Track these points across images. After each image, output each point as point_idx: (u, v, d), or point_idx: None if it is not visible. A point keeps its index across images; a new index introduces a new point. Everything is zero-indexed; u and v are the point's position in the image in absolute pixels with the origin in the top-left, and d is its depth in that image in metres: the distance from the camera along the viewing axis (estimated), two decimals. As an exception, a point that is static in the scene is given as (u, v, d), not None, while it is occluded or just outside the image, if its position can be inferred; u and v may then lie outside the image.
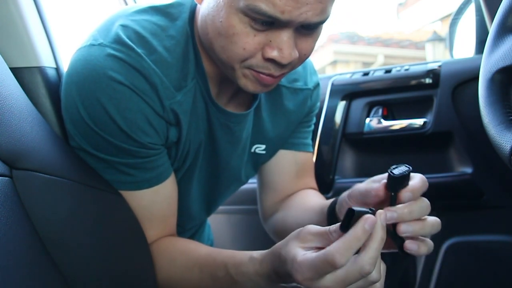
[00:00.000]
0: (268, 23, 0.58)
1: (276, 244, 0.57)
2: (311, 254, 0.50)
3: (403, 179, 0.54)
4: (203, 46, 0.68)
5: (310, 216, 0.78)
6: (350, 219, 0.48)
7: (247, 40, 0.59)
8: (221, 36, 0.60)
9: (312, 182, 0.94)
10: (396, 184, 0.54)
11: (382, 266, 0.53)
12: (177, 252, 0.71)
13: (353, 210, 0.48)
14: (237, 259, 0.61)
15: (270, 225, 0.91)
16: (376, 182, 0.60)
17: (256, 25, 0.58)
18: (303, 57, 0.64)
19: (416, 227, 0.53)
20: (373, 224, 0.49)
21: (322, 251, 0.49)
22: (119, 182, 0.67)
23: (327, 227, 0.52)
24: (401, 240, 0.54)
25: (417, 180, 0.56)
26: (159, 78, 0.64)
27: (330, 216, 0.72)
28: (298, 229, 0.54)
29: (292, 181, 0.90)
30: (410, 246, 0.54)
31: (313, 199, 0.86)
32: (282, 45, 0.59)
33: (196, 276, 0.66)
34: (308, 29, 0.61)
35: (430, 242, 0.55)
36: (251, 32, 0.59)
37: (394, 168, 0.54)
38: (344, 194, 0.67)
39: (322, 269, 0.48)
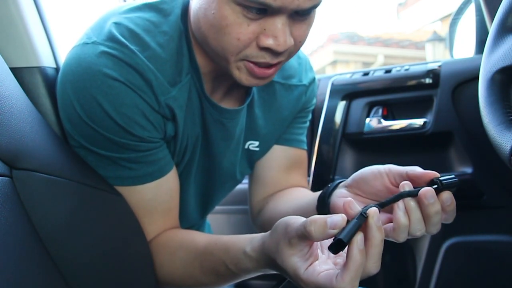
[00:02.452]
0: (261, 10, 0.57)
1: (267, 245, 0.55)
2: (318, 276, 0.49)
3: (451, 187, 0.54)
4: (197, 41, 0.68)
5: (300, 209, 0.76)
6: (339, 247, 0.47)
7: (241, 30, 0.59)
8: (214, 28, 0.60)
9: (303, 181, 0.93)
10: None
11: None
12: (176, 245, 0.70)
13: (342, 241, 0.47)
14: (232, 255, 0.60)
15: (259, 221, 0.90)
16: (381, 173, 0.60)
17: (249, 14, 0.58)
18: (298, 45, 0.64)
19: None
20: (363, 243, 0.47)
21: (330, 282, 0.47)
22: (122, 178, 0.67)
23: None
24: None
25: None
26: (153, 74, 0.64)
27: (320, 206, 0.70)
28: (283, 228, 0.52)
29: (282, 177, 0.89)
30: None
31: (302, 193, 0.85)
32: (277, 33, 0.59)
33: (198, 271, 0.66)
34: (302, 15, 0.60)
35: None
36: (245, 22, 0.58)
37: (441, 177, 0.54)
38: (345, 183, 0.65)
39: None
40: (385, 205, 0.54)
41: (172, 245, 0.71)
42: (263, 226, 0.89)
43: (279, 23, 0.58)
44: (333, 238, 0.47)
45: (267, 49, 0.60)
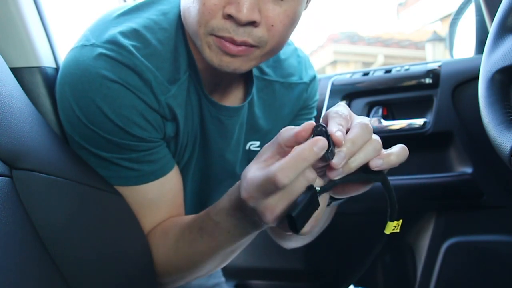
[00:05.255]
0: None
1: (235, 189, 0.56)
2: (259, 172, 0.46)
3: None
4: (190, 37, 0.68)
5: None
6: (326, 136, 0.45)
7: None
8: (189, 3, 0.61)
9: None
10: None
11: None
12: (170, 224, 0.70)
13: (321, 125, 0.45)
14: (217, 202, 0.61)
15: None
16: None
17: None
18: (271, 29, 0.61)
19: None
20: (323, 148, 0.44)
21: (265, 170, 0.45)
22: (125, 178, 0.67)
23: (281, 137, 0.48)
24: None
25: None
26: (152, 74, 0.64)
27: None
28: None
29: None
30: (375, 163, 0.51)
31: None
32: (240, 0, 0.58)
33: (187, 238, 0.65)
34: None
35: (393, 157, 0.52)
36: None
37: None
38: None
39: (266, 189, 0.45)
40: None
41: (167, 225, 0.71)
42: (267, 228, 0.89)
43: None
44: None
45: (230, 18, 0.59)
